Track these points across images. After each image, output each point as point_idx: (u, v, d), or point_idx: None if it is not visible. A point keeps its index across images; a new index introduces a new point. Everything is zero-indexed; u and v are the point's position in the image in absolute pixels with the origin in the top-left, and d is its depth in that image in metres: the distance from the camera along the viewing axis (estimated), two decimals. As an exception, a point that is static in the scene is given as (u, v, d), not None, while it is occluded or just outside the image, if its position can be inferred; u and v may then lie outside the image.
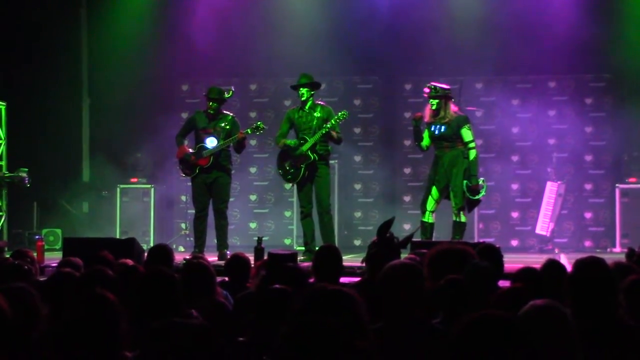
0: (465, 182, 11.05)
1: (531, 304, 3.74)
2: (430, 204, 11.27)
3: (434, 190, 11.25)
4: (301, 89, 11.64)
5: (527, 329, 3.42)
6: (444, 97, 11.16)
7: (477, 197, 11.15)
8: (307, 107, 11.67)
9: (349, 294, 3.81)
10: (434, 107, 11.18)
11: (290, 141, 11.74)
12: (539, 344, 3.48)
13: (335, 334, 3.22)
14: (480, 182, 11.13)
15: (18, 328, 3.87)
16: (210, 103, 11.94)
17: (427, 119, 11.28)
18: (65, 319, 3.78)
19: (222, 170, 12.01)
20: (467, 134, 11.14)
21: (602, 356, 4.16)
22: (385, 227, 6.54)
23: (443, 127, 11.14)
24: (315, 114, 11.64)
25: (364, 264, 6.72)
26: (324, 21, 15.50)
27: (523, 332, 3.08)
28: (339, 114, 11.54)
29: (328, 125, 11.47)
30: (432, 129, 11.23)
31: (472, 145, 11.15)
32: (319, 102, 11.85)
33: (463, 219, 11.21)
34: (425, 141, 11.38)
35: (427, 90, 11.29)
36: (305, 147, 11.57)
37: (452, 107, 11.19)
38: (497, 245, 6.89)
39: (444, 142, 11.20)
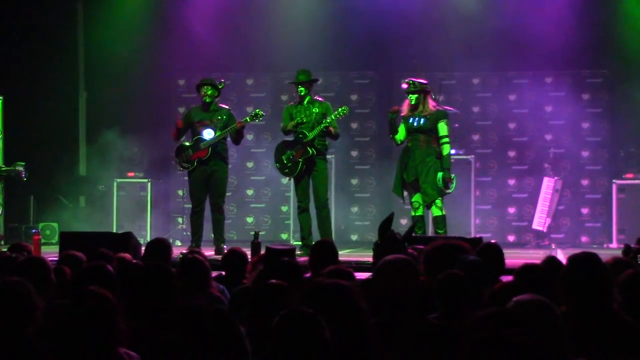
0: (440, 174, 11.09)
1: (515, 300, 3.71)
2: (416, 197, 11.29)
3: (403, 178, 11.31)
4: (299, 86, 11.64)
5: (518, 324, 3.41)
6: (422, 92, 11.20)
7: (448, 192, 11.23)
8: (305, 102, 11.68)
9: (348, 288, 3.81)
10: (413, 102, 11.19)
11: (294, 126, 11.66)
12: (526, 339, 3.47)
13: (320, 329, 3.23)
14: (452, 177, 11.20)
15: (14, 322, 3.86)
16: (204, 89, 11.85)
17: (404, 113, 11.29)
18: (62, 315, 3.78)
19: (221, 161, 11.95)
20: (443, 128, 11.17)
21: (597, 351, 4.16)
22: (386, 225, 6.49)
23: (422, 120, 11.17)
24: (313, 109, 11.64)
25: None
26: (321, 16, 15.50)
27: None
28: (339, 109, 11.54)
29: (328, 120, 11.48)
30: (411, 120, 11.21)
31: (446, 140, 11.18)
32: (317, 98, 11.84)
33: (440, 212, 11.21)
34: (400, 135, 11.36)
35: (405, 85, 11.29)
36: (311, 135, 11.51)
37: (431, 102, 11.24)
38: (494, 241, 6.90)
39: (420, 135, 11.19)
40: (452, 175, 11.21)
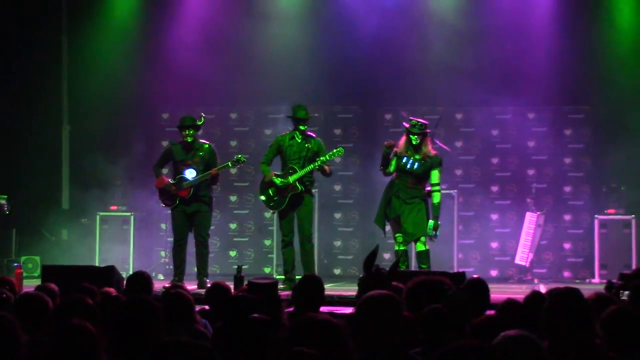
0: (432, 222, 11.14)
1: (502, 335, 3.72)
2: (398, 235, 11.29)
3: (386, 212, 11.36)
4: (302, 124, 11.57)
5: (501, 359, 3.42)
6: (424, 135, 11.24)
7: (434, 240, 11.29)
8: (300, 137, 11.65)
9: (335, 324, 3.81)
10: (414, 143, 11.20)
11: (276, 179, 11.67)
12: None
13: None
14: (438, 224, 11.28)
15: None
16: (186, 131, 11.96)
17: (398, 148, 11.32)
18: (44, 348, 3.76)
19: (203, 202, 12.03)
20: (436, 176, 11.26)
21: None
22: (371, 259, 6.46)
23: (416, 164, 11.20)
24: (307, 145, 11.63)
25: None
26: (305, 51, 15.56)
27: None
28: (334, 150, 11.57)
29: (322, 159, 11.48)
30: (404, 160, 11.24)
31: (437, 188, 11.29)
32: (310, 134, 11.82)
33: (424, 247, 11.22)
34: (391, 168, 11.41)
35: (407, 125, 11.33)
36: (292, 178, 11.56)
37: (430, 146, 11.27)
38: (477, 276, 6.92)
39: (409, 177, 11.25)
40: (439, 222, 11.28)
